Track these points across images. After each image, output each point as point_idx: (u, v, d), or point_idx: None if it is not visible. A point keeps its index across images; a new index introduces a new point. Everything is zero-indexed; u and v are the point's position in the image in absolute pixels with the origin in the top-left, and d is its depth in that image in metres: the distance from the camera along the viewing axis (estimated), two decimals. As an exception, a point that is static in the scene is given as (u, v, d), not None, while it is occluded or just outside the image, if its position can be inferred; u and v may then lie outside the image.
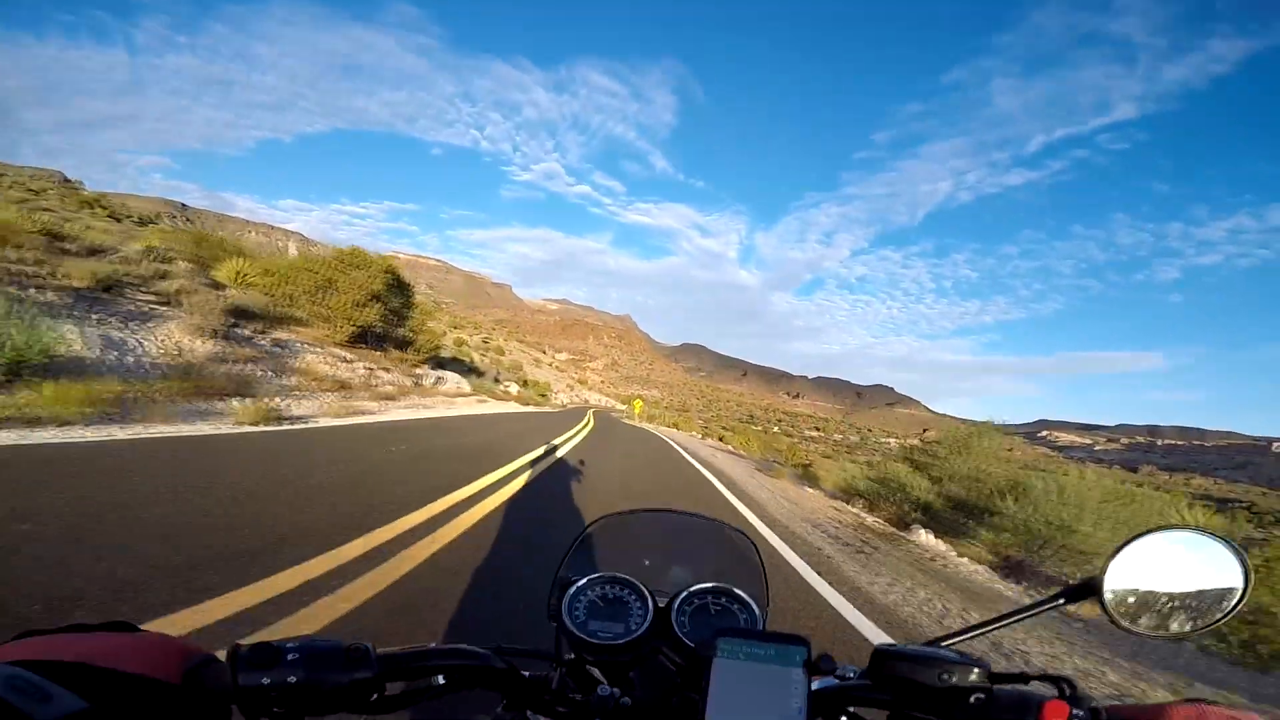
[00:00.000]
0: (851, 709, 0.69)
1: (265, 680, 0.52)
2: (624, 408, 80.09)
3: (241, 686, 0.52)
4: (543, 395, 41.03)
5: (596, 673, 0.80)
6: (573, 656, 0.81)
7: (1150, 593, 0.74)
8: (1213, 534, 0.74)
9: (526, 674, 0.73)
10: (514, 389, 33.48)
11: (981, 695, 0.60)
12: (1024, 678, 0.63)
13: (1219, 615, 0.71)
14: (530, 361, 57.99)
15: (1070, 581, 0.94)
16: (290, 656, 0.54)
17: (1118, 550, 0.75)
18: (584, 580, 0.89)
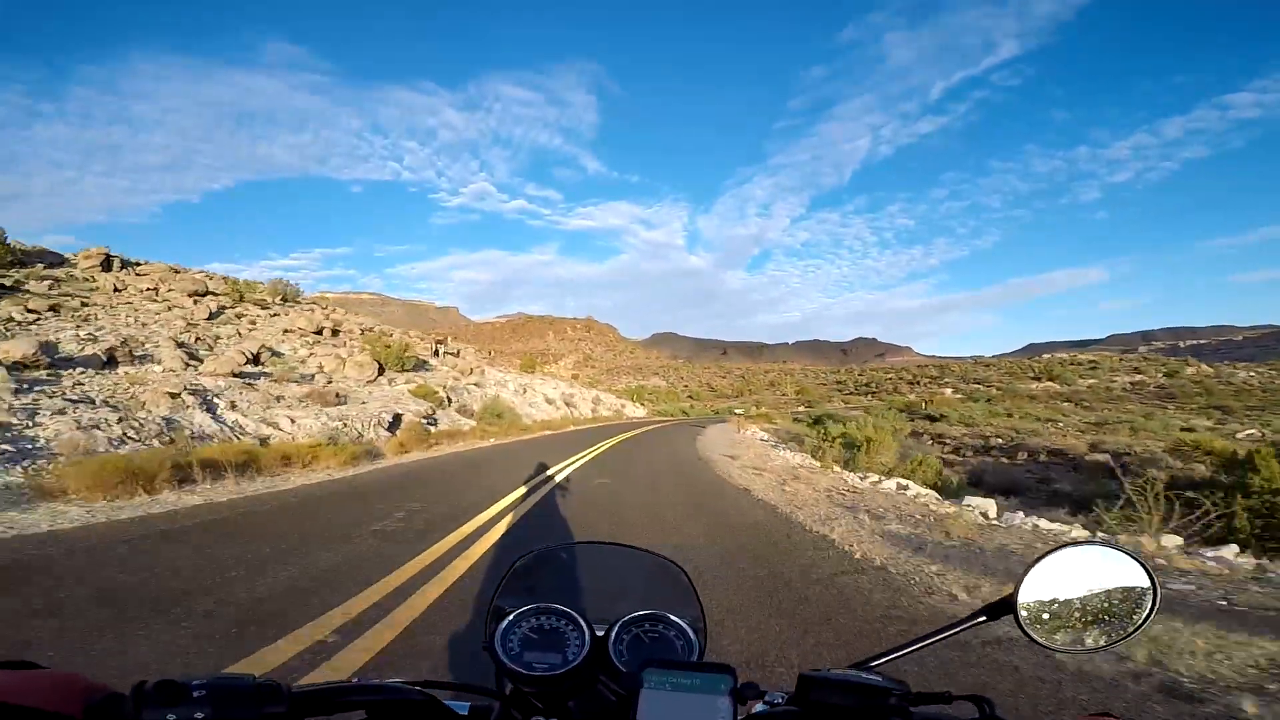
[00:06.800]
0: None
1: (170, 717, 0.51)
2: (677, 415, 49.80)
3: None
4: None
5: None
6: (511, 689, 0.79)
7: (1064, 608, 0.76)
8: (1121, 548, 0.76)
9: (467, 706, 0.76)
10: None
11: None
12: (945, 697, 0.64)
13: (1130, 629, 0.74)
14: (348, 362, 23.72)
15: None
16: (197, 693, 0.53)
17: (1030, 567, 0.76)
18: (518, 611, 0.86)
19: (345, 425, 12.30)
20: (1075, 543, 0.78)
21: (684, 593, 0.99)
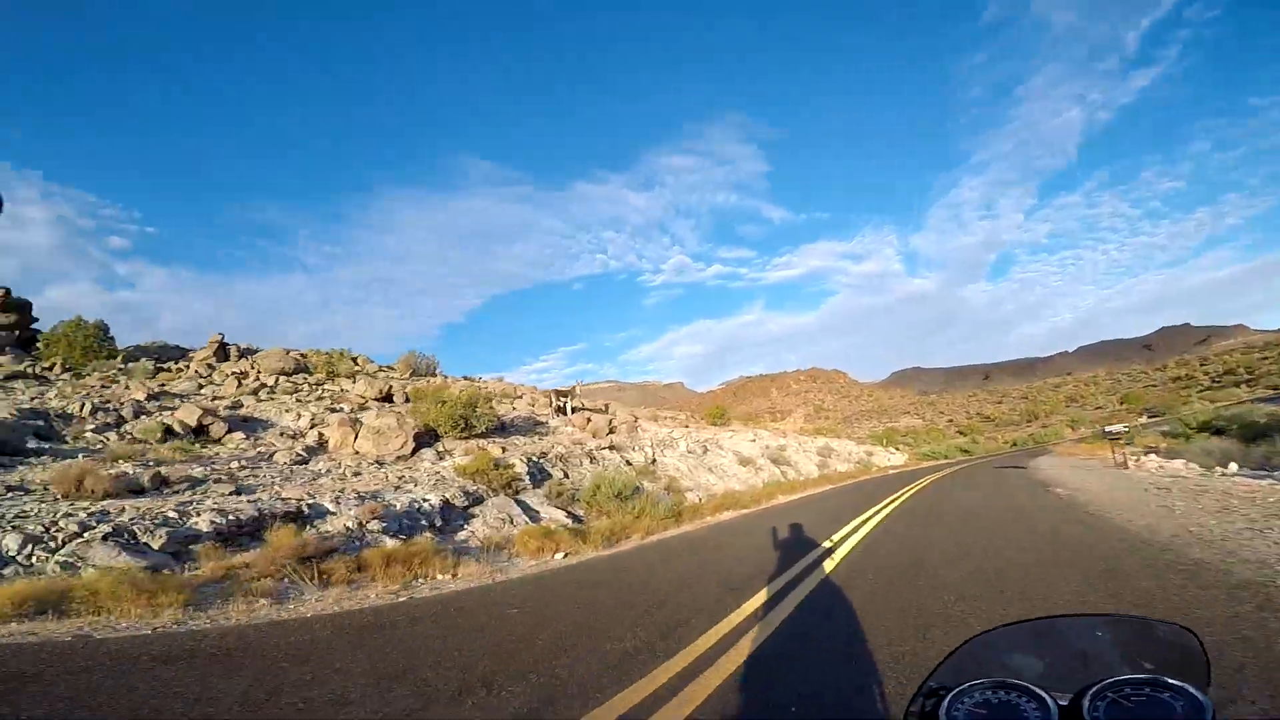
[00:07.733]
0: None
1: None
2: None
3: None
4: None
5: None
6: None
7: None
8: None
9: None
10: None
11: None
12: None
13: None
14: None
15: None
16: None
17: None
18: (960, 687, 0.80)
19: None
20: None
21: (1179, 652, 0.85)
